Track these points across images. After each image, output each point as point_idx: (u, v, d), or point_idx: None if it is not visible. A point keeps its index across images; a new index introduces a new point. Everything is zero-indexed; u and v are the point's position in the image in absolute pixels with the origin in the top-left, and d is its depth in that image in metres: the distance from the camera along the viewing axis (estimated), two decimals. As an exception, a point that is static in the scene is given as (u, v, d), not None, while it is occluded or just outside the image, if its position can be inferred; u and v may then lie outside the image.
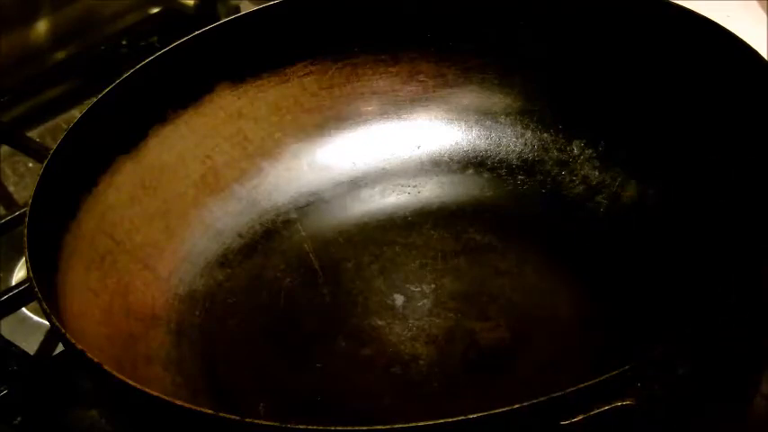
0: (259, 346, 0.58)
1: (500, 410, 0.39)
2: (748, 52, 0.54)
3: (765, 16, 0.74)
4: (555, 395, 0.39)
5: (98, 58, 0.89)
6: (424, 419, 0.39)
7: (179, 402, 0.41)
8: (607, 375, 0.39)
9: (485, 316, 0.57)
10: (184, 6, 0.92)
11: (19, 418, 0.57)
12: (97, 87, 0.61)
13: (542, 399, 0.38)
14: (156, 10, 0.93)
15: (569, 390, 0.39)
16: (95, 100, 0.60)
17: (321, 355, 0.56)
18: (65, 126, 0.73)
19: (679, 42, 0.60)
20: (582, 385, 0.39)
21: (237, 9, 0.90)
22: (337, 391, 0.54)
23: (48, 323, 0.48)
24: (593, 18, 0.63)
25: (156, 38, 0.90)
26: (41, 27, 0.85)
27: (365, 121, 0.69)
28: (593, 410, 0.39)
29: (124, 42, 0.90)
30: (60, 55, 0.88)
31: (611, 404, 0.39)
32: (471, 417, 0.39)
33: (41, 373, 0.59)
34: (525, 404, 0.39)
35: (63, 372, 0.58)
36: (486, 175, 0.66)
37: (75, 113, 0.62)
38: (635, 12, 0.61)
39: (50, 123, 0.85)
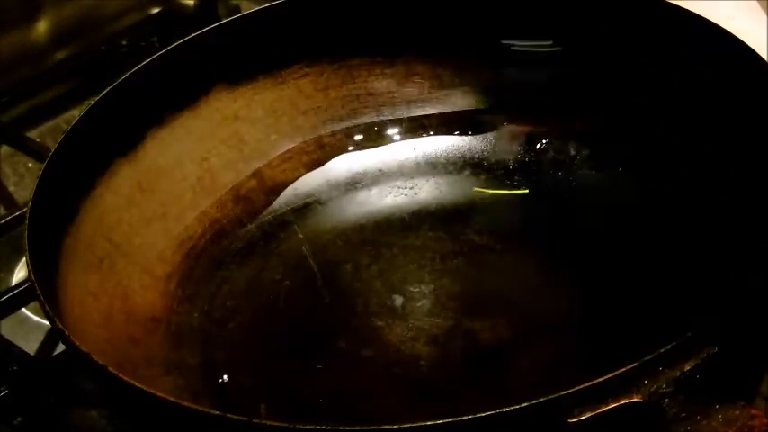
0: (259, 348, 0.58)
1: (509, 409, 0.39)
2: (748, 53, 0.55)
3: (765, 16, 0.74)
4: (564, 393, 0.39)
5: (98, 58, 0.89)
6: (426, 419, 0.39)
7: (189, 405, 0.42)
8: (616, 372, 0.39)
9: (485, 316, 0.57)
10: (184, 6, 0.92)
11: (19, 418, 0.57)
12: (97, 87, 0.61)
13: (552, 396, 0.38)
14: (156, 10, 0.93)
15: (578, 387, 0.39)
16: (92, 103, 0.60)
17: (322, 356, 0.56)
18: (65, 126, 0.72)
19: (678, 43, 0.60)
20: (591, 383, 0.39)
21: (237, 9, 0.90)
22: (338, 391, 0.54)
23: (48, 323, 0.47)
24: (592, 19, 0.64)
25: (156, 38, 0.90)
26: (41, 27, 0.84)
27: (361, 123, 0.69)
28: (601, 408, 0.39)
29: (124, 42, 0.90)
30: (60, 55, 0.87)
31: (619, 401, 0.39)
32: (481, 415, 0.39)
33: (41, 373, 0.59)
34: (534, 402, 0.39)
35: (63, 372, 0.58)
36: (482, 177, 0.66)
37: (75, 113, 0.62)
38: (635, 13, 0.62)
39: (50, 123, 0.85)
